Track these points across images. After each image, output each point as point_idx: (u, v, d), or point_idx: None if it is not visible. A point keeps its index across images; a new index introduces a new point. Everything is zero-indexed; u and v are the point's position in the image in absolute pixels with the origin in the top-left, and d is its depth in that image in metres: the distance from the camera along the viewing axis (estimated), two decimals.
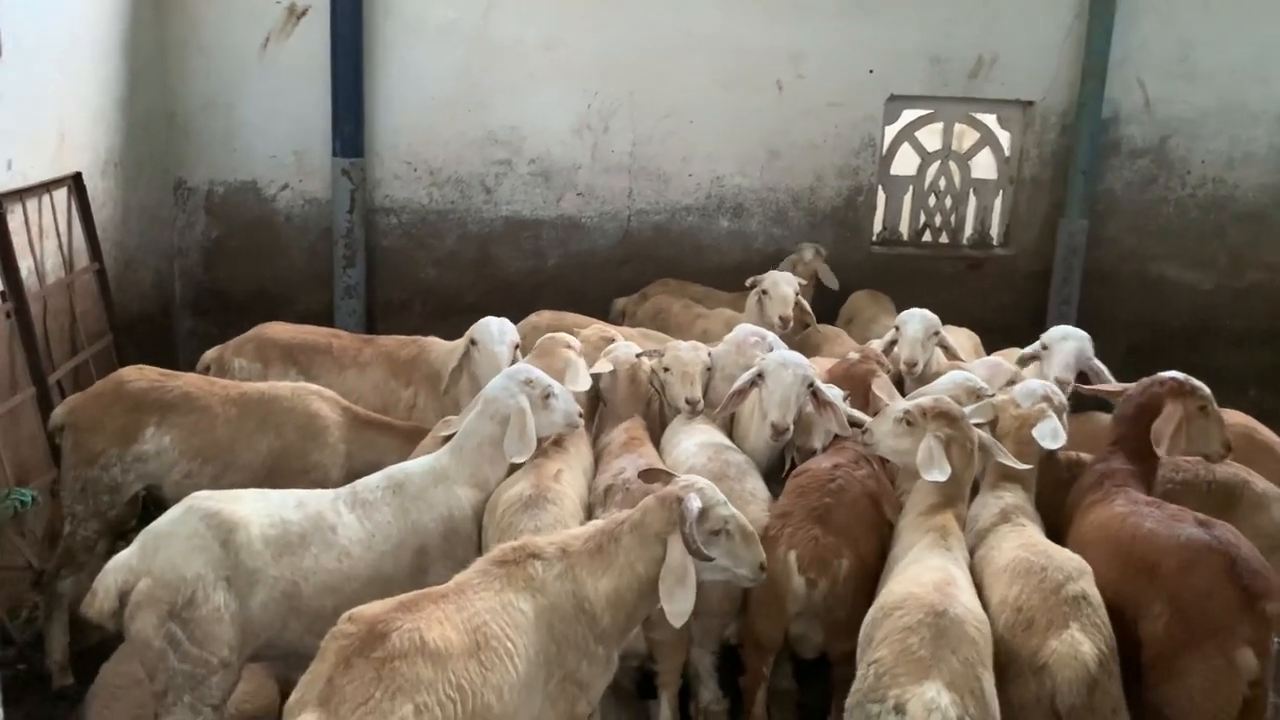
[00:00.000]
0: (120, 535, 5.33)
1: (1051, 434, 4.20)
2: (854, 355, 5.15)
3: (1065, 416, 4.53)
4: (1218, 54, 8.39)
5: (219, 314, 7.96)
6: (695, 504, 3.40)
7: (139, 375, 4.96)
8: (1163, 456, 4.24)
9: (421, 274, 8.23)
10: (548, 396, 4.36)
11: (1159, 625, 3.55)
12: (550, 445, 4.42)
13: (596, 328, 5.73)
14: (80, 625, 5.15)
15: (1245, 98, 8.51)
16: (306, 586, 3.78)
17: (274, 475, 4.76)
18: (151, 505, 5.14)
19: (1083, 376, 5.21)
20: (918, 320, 5.55)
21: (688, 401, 4.89)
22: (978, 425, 4.25)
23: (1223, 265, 8.80)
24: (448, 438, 4.43)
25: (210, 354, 5.75)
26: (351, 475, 4.55)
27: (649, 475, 3.83)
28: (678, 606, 3.34)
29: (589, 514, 4.26)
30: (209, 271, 8.09)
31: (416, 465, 4.24)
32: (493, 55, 7.94)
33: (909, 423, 4.03)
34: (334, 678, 2.96)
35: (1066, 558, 3.72)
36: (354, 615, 3.13)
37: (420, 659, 3.02)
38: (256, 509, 3.82)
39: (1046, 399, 4.37)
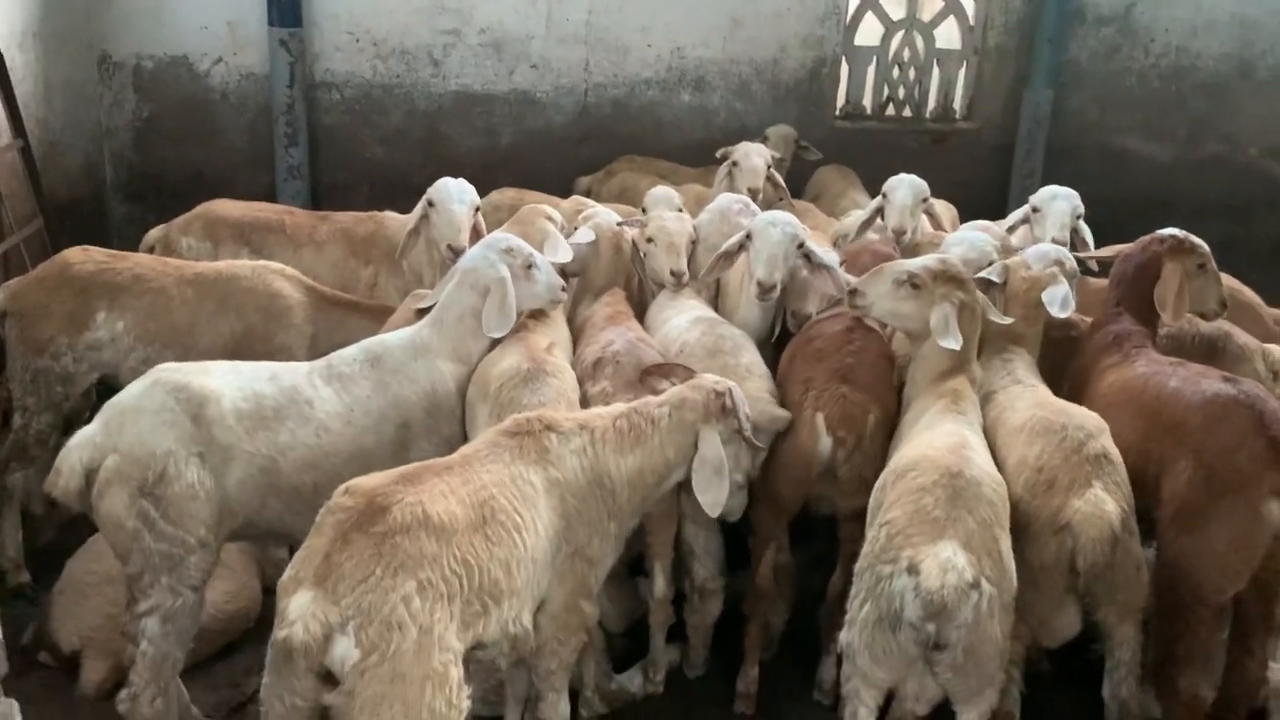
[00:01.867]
0: (75, 426, 5.08)
1: (1062, 300, 4.08)
2: (873, 235, 5.01)
3: (1075, 283, 4.41)
4: None
5: (154, 198, 7.50)
6: (740, 395, 3.49)
7: (85, 257, 4.64)
8: (1169, 321, 4.15)
9: (368, 153, 7.81)
10: (529, 266, 4.12)
11: (1182, 480, 3.50)
12: (529, 319, 4.20)
13: (575, 199, 5.47)
14: (33, 523, 4.92)
15: None
16: (285, 463, 3.59)
17: (236, 359, 4.37)
18: (106, 396, 4.90)
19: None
20: (907, 187, 5.38)
21: (673, 273, 4.69)
22: (991, 285, 4.14)
23: (1182, 137, 8.76)
24: (422, 311, 4.19)
25: (155, 233, 5.39)
26: (317, 358, 4.30)
27: (665, 370, 3.78)
28: (714, 497, 3.44)
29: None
30: (141, 153, 7.58)
31: (395, 338, 4.01)
32: None
33: (914, 285, 3.87)
34: (332, 554, 2.79)
35: (1085, 415, 3.65)
36: (352, 488, 2.95)
37: (423, 533, 2.85)
38: (227, 382, 3.60)
39: (1059, 263, 4.24)
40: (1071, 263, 4.35)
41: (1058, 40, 8.27)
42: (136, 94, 7.46)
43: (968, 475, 3.18)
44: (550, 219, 4.75)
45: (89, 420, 5.14)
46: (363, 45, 7.61)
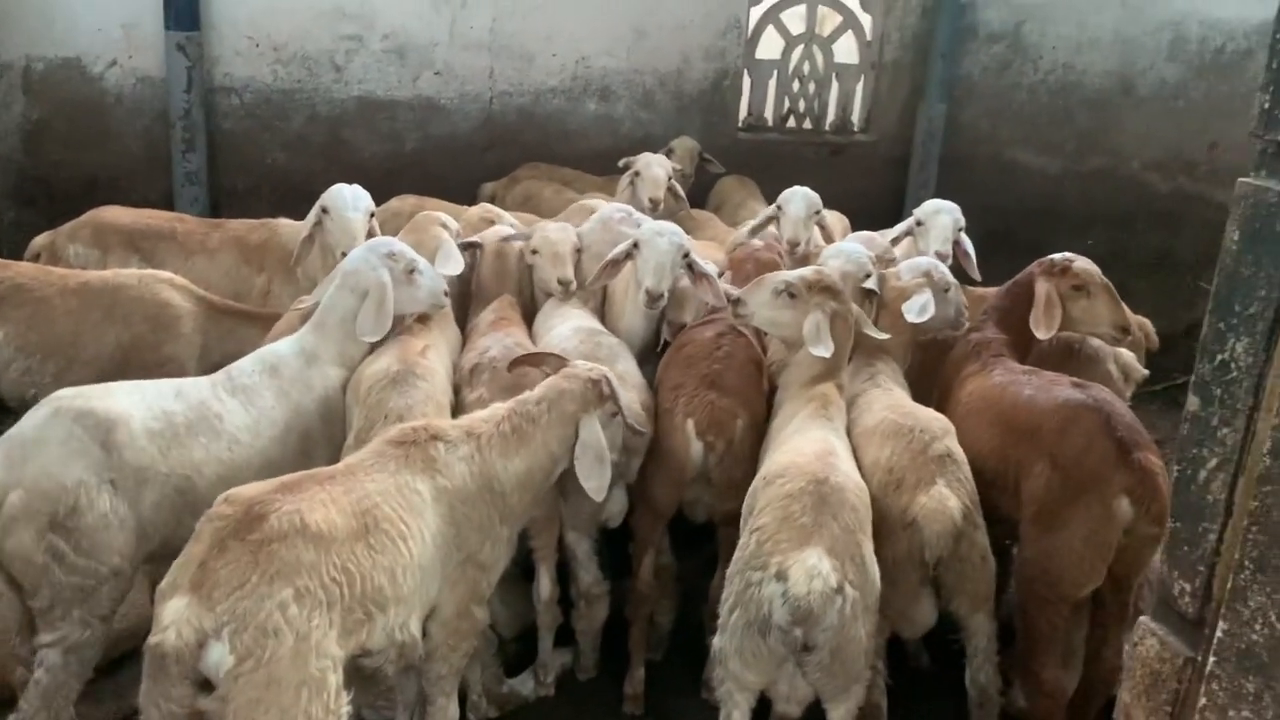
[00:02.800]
0: None
1: (919, 308, 4.28)
2: (758, 243, 5.11)
3: (956, 292, 4.57)
4: None
5: (45, 204, 7.31)
6: (615, 381, 3.57)
7: None
8: (1041, 337, 4.34)
9: (268, 159, 7.72)
10: (411, 271, 4.15)
11: (1040, 483, 3.70)
12: (414, 322, 4.24)
13: (480, 208, 5.52)
14: None
15: None
16: (200, 480, 3.56)
17: (123, 371, 4.44)
18: None
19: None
20: (800, 199, 5.52)
21: (560, 282, 4.77)
22: (869, 295, 4.30)
23: (1069, 150, 9.10)
24: (306, 315, 4.20)
25: (41, 240, 5.31)
26: (208, 369, 4.30)
27: (535, 359, 3.80)
28: (596, 482, 3.50)
29: (455, 393, 4.14)
30: (31, 157, 7.39)
31: (286, 346, 4.01)
32: None
33: (791, 294, 4.02)
34: (208, 561, 2.81)
35: (931, 418, 3.84)
36: (230, 496, 2.97)
37: (301, 541, 2.88)
38: (134, 402, 3.53)
39: (927, 274, 4.44)
40: (941, 274, 4.52)
41: (951, 56, 8.55)
42: (26, 96, 7.27)
43: (833, 482, 3.32)
44: (445, 226, 4.77)
45: None
46: (263, 50, 7.53)
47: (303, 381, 3.92)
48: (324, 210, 5.02)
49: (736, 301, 4.16)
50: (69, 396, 3.51)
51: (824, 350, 3.86)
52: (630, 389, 4.11)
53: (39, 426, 3.40)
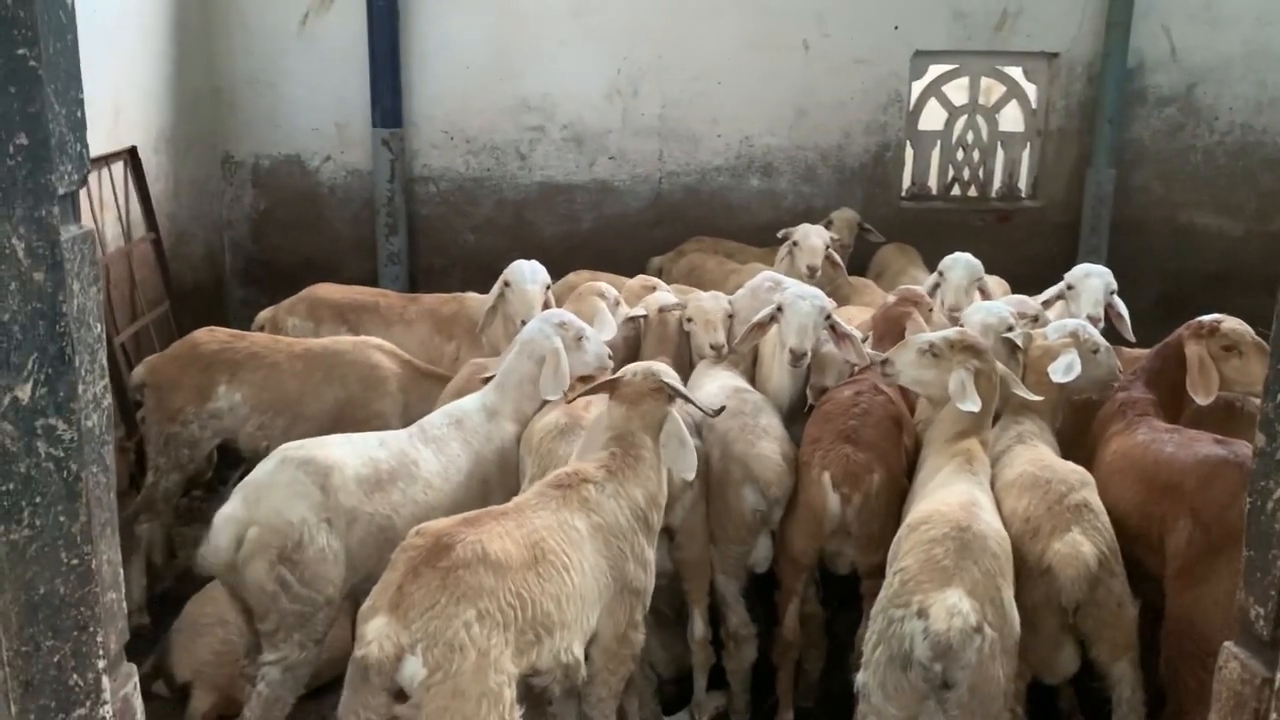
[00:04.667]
0: (196, 485, 5.69)
1: (1065, 368, 4.36)
2: (892, 298, 5.26)
3: (1108, 354, 4.61)
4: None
5: (267, 283, 8.24)
6: (673, 375, 3.87)
7: (210, 337, 5.23)
8: (1201, 402, 4.33)
9: (460, 240, 8.47)
10: (580, 338, 4.56)
11: (1183, 538, 3.73)
12: (576, 381, 4.66)
13: (640, 278, 5.93)
14: (154, 571, 5.50)
15: (1271, 42, 8.54)
16: (399, 519, 3.95)
17: (339, 425, 4.96)
18: (223, 459, 5.50)
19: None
20: (962, 266, 5.64)
21: (712, 347, 5.09)
22: (1015, 348, 4.45)
23: (1252, 211, 8.84)
24: (487, 379, 4.68)
25: (264, 314, 6.02)
26: (408, 424, 4.80)
27: (585, 389, 4.13)
28: (684, 464, 3.79)
29: None
30: (257, 242, 8.39)
31: (470, 403, 4.48)
32: (523, 22, 8.15)
33: (934, 354, 4.20)
34: (403, 585, 3.16)
35: (1069, 470, 3.93)
36: (421, 529, 3.36)
37: (482, 568, 3.21)
38: (346, 452, 3.99)
39: (1074, 335, 4.52)
40: (1089, 335, 4.59)
41: (1118, 121, 8.52)
42: (254, 189, 8.29)
43: (975, 529, 3.46)
44: (603, 296, 5.20)
45: (211, 481, 5.83)
46: (456, 142, 8.31)
47: (484, 434, 4.36)
48: (506, 284, 5.53)
49: (884, 362, 4.38)
50: (294, 447, 4.02)
51: (971, 405, 4.02)
52: (773, 440, 4.37)
53: (270, 473, 3.92)
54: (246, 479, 3.99)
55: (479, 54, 8.19)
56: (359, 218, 8.34)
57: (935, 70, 8.77)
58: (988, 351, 4.19)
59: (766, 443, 4.29)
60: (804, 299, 4.70)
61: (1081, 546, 3.60)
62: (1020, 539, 3.72)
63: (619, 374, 3.97)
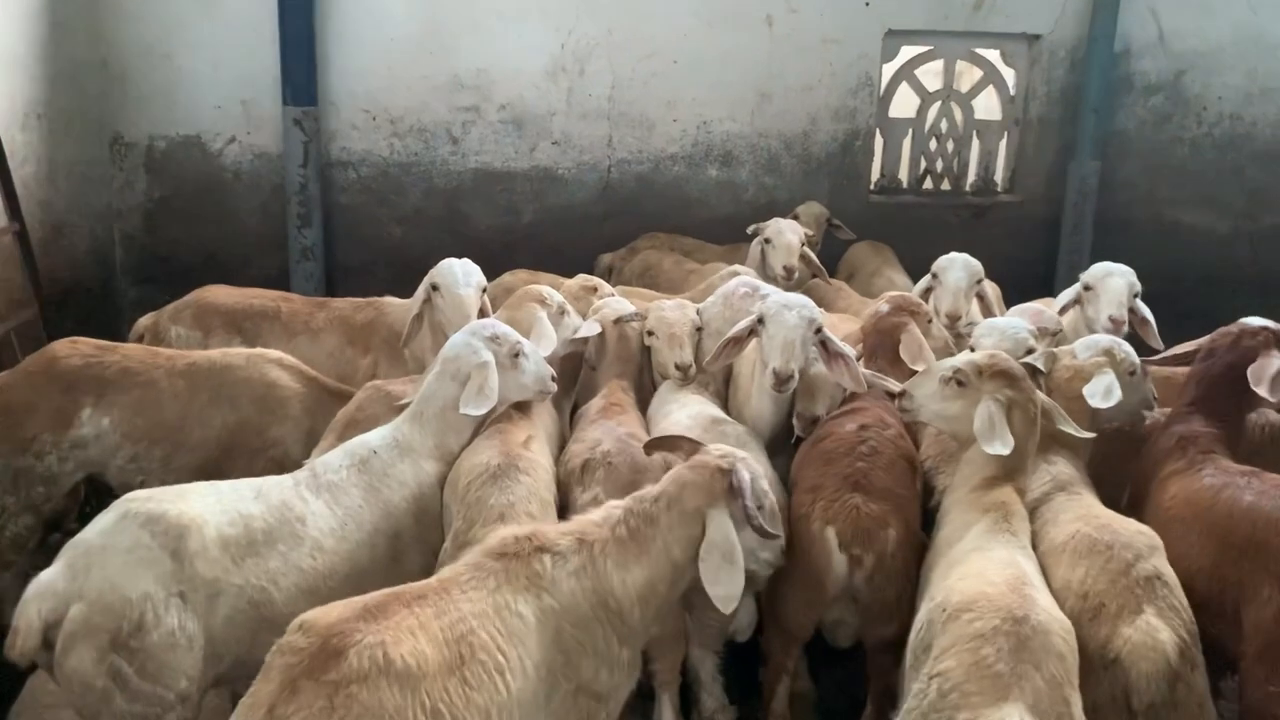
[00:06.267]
0: (57, 529, 4.76)
1: (1104, 391, 3.66)
2: (884, 306, 4.49)
3: (1143, 375, 3.96)
4: None
5: (165, 281, 7.25)
6: (746, 475, 3.00)
7: (72, 350, 4.39)
8: (1270, 399, 3.71)
9: (384, 233, 7.59)
10: (516, 355, 3.77)
11: (1269, 612, 3.04)
12: (512, 408, 3.85)
13: (580, 278, 5.12)
14: (4, 634, 4.61)
15: (1263, 28, 8.01)
16: (278, 592, 3.19)
17: (230, 456, 4.29)
18: (94, 497, 4.59)
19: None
20: (960, 267, 4.97)
21: (678, 367, 4.33)
22: (1036, 373, 3.73)
23: (1240, 208, 8.31)
24: (402, 407, 3.85)
25: (144, 321, 5.15)
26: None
27: (663, 443, 3.36)
28: (726, 589, 2.92)
29: (560, 489, 3.71)
30: (152, 235, 7.42)
31: (377, 438, 3.66)
32: None
33: (960, 383, 3.45)
34: (276, 706, 2.41)
35: (1135, 531, 3.21)
36: (306, 624, 2.57)
37: (384, 681, 2.46)
38: (209, 506, 3.19)
39: (1108, 353, 3.81)
40: (1126, 354, 3.89)
41: (1103, 110, 7.92)
42: (149, 174, 7.32)
43: (1034, 622, 2.72)
44: (543, 302, 4.39)
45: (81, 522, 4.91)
46: (379, 123, 7.43)
47: (394, 477, 3.55)
48: (433, 287, 4.73)
49: (902, 394, 3.65)
50: (140, 499, 3.18)
51: (1000, 447, 3.28)
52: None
53: (105, 532, 3.08)
54: (74, 539, 3.13)
55: (406, 24, 7.31)
56: (268, 207, 7.41)
57: (908, 52, 8.09)
58: (1024, 378, 3.43)
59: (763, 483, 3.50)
60: (790, 309, 3.94)
61: (1159, 633, 2.89)
62: (1077, 620, 2.97)
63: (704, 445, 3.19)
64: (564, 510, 3.62)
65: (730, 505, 3.00)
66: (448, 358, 3.73)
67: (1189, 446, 3.61)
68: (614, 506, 3.10)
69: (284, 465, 4.11)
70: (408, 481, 3.56)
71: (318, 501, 3.37)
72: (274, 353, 4.59)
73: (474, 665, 2.64)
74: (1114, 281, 4.71)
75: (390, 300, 5.23)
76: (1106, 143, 8.03)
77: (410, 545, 3.52)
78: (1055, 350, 3.97)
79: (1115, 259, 5.05)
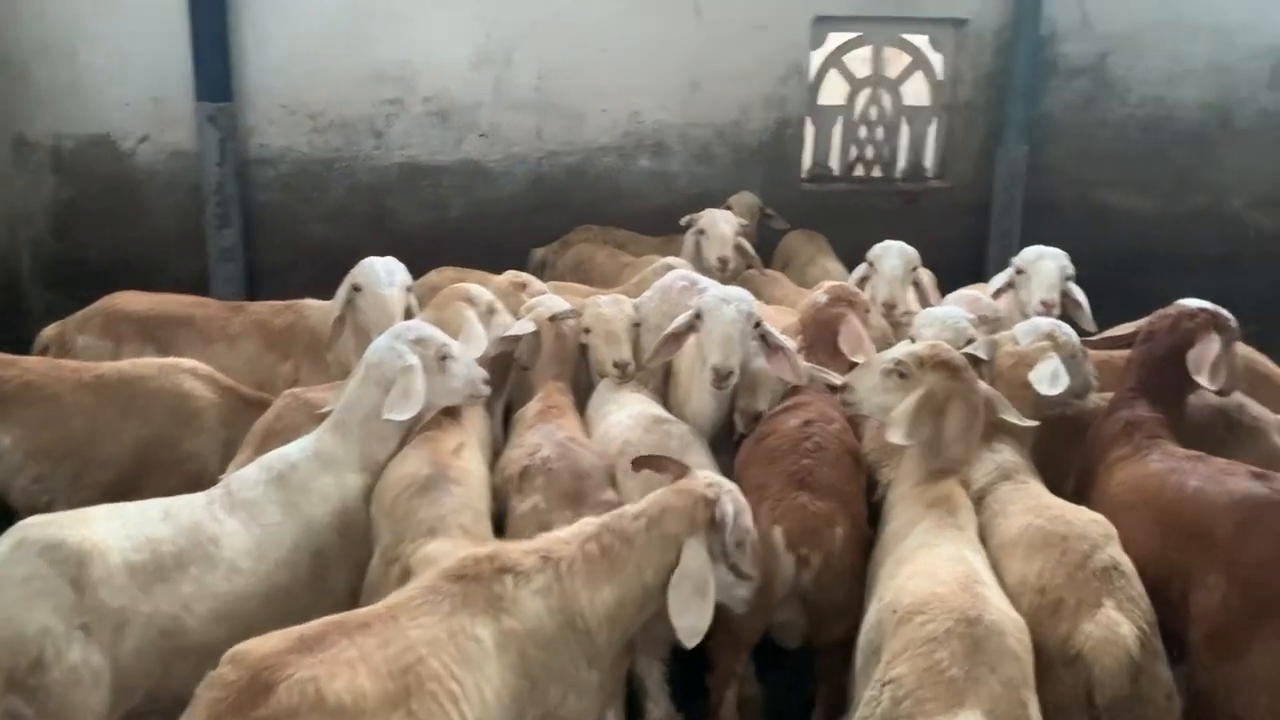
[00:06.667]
0: None
1: (1051, 377, 3.62)
2: (822, 297, 4.41)
3: (1083, 357, 3.95)
4: None
5: (77, 287, 6.86)
6: (731, 509, 2.89)
7: None
8: (1212, 387, 3.72)
9: (307, 231, 7.33)
10: (444, 358, 3.61)
11: (1215, 598, 3.02)
12: (441, 414, 3.69)
13: (509, 274, 4.97)
14: None
15: (1182, 11, 8.10)
16: (191, 619, 3.02)
17: (143, 472, 4.09)
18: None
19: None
20: (895, 254, 4.93)
21: (616, 365, 4.21)
22: (979, 363, 3.69)
23: (1165, 188, 8.41)
24: (324, 415, 3.67)
25: (49, 331, 4.91)
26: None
27: (651, 463, 3.24)
28: (693, 622, 2.81)
29: (496, 497, 3.57)
30: (61, 239, 7.07)
31: (296, 450, 3.48)
32: None
33: (901, 374, 3.39)
34: None
35: (1089, 521, 3.15)
36: (236, 656, 2.41)
37: (315, 719, 2.31)
38: (113, 530, 3.00)
39: (1050, 337, 3.78)
40: (1067, 337, 3.87)
41: (1030, 94, 7.95)
42: (55, 176, 6.98)
43: (987, 622, 2.64)
44: (472, 301, 4.22)
45: None
46: (299, 118, 7.18)
47: (315, 491, 3.38)
48: (355, 288, 4.53)
49: (844, 388, 3.57)
50: (38, 525, 2.98)
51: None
52: None
53: (0, 562, 2.88)
54: None
55: (324, 15, 7.05)
56: (184, 207, 7.10)
57: (836, 39, 8.03)
58: (966, 369, 3.37)
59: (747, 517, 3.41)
60: (728, 303, 3.85)
61: (1119, 627, 2.83)
62: (1035, 616, 2.91)
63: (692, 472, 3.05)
64: (500, 520, 3.49)
65: (710, 537, 2.90)
66: (371, 363, 3.57)
67: (1135, 432, 3.58)
68: (587, 523, 2.97)
69: (201, 480, 3.91)
70: (330, 496, 3.39)
71: (232, 520, 3.20)
72: (188, 362, 4.37)
73: (422, 697, 2.48)
74: (1046, 265, 4.71)
75: (310, 303, 5.01)
76: (1034, 126, 8.06)
77: (335, 563, 3.35)
78: (996, 337, 3.93)
79: (1044, 242, 5.06)
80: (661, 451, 3.54)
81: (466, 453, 3.53)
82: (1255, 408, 4.21)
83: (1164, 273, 8.20)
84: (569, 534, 2.93)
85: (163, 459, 4.13)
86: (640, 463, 3.31)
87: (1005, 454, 3.54)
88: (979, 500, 3.39)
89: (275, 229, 7.28)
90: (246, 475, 3.37)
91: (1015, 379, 3.70)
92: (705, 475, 3.04)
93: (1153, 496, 3.33)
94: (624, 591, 2.82)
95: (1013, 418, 3.51)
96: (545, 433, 3.71)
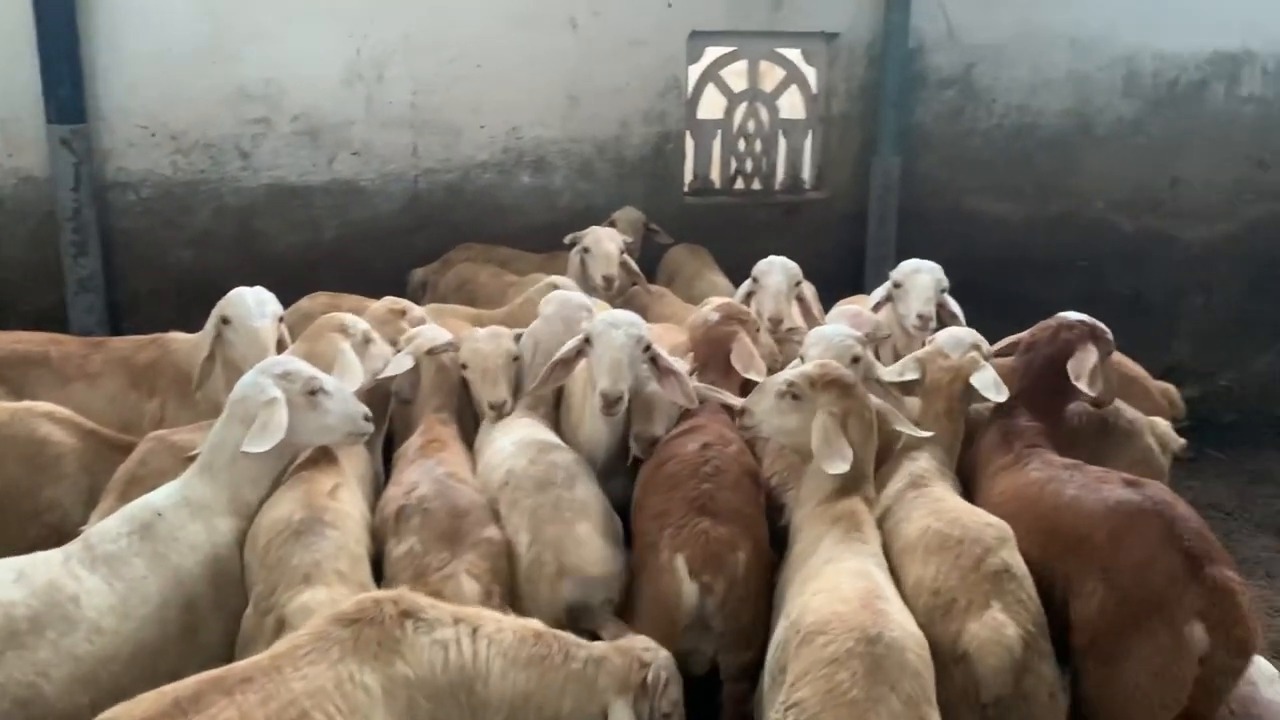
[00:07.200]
0: None
1: (994, 384, 3.72)
2: (713, 315, 4.39)
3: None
4: None
5: None
6: (664, 676, 2.86)
7: None
8: (1090, 393, 3.84)
9: (172, 258, 7.00)
10: (314, 393, 3.46)
11: (1093, 604, 3.12)
12: (317, 453, 3.55)
13: (387, 300, 4.81)
14: None
15: (1043, 22, 8.35)
16: (49, 685, 2.84)
17: None
18: None
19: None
20: (779, 270, 4.95)
21: (492, 406, 4.13)
22: (909, 383, 3.76)
23: (1031, 195, 8.69)
24: (192, 458, 3.49)
25: None
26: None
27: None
28: None
29: (375, 540, 3.44)
30: None
31: (161, 497, 3.30)
32: None
33: (795, 396, 3.39)
34: None
35: (984, 525, 3.23)
36: None
37: None
38: None
39: (976, 346, 3.89)
40: (986, 344, 3.99)
41: (902, 105, 8.12)
42: None
43: (887, 640, 2.67)
44: (345, 331, 4.06)
45: None
46: (159, 140, 6.85)
47: (186, 540, 3.21)
48: (224, 320, 4.34)
49: (742, 412, 3.58)
50: None
51: (840, 462, 3.23)
52: (593, 518, 3.43)
53: None
54: None
55: (184, 33, 6.75)
56: (38, 236, 6.70)
57: (712, 53, 8.07)
58: (857, 386, 3.39)
59: (585, 524, 3.34)
60: (616, 328, 3.81)
61: (1005, 628, 2.92)
62: (930, 617, 2.99)
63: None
64: (380, 568, 3.36)
65: (639, 701, 2.83)
66: (235, 399, 3.41)
67: (1015, 440, 3.69)
68: (531, 622, 2.88)
69: (62, 530, 3.69)
70: (200, 544, 3.22)
71: (93, 577, 3.01)
72: (43, 405, 4.11)
73: None
74: (921, 279, 4.81)
75: (176, 336, 4.76)
76: (906, 137, 8.24)
77: (208, 615, 3.19)
78: (922, 354, 4.01)
79: (919, 250, 5.16)
80: (546, 484, 3.48)
81: (343, 493, 3.39)
82: (1129, 411, 4.37)
83: (1033, 276, 8.52)
84: (501, 616, 2.85)
85: (20, 510, 3.89)
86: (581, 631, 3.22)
87: (921, 462, 3.63)
88: (887, 510, 3.44)
89: (137, 256, 6.94)
90: (107, 527, 3.17)
91: (954, 392, 3.80)
92: (643, 640, 2.98)
93: (1032, 505, 3.43)
94: (538, 694, 2.72)
95: (906, 428, 3.56)
96: (424, 469, 3.60)
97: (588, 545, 3.34)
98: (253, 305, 4.34)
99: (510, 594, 3.33)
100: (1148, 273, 8.91)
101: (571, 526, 3.39)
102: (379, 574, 3.32)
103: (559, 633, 2.88)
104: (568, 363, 3.99)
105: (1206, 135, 8.78)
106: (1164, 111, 8.66)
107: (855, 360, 3.88)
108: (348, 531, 3.23)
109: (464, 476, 3.63)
